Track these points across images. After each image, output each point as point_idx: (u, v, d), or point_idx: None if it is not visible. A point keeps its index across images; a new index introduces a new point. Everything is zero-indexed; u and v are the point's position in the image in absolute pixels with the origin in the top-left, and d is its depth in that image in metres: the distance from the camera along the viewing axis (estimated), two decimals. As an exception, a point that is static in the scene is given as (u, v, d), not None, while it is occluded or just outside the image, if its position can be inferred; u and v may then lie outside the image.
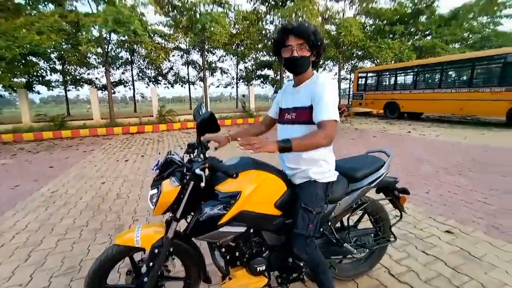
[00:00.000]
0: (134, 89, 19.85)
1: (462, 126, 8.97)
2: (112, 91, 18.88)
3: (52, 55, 12.71)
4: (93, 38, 9.77)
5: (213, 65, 21.47)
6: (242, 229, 1.21)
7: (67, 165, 5.12)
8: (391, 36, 16.23)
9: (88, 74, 17.26)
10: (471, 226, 2.27)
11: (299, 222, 1.22)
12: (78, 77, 16.67)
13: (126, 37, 8.46)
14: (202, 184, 1.08)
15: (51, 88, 15.34)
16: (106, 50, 10.90)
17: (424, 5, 15.69)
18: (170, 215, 1.20)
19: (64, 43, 10.16)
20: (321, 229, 1.39)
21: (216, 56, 21.29)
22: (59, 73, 15.40)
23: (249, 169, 1.22)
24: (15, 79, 9.04)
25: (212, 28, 9.54)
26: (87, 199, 3.31)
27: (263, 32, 14.22)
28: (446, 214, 2.52)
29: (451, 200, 2.84)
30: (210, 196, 1.18)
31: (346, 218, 1.58)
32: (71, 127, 10.26)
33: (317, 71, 1.35)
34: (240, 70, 22.01)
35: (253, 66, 20.72)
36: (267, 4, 14.26)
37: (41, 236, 2.42)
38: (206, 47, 15.80)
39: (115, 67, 17.97)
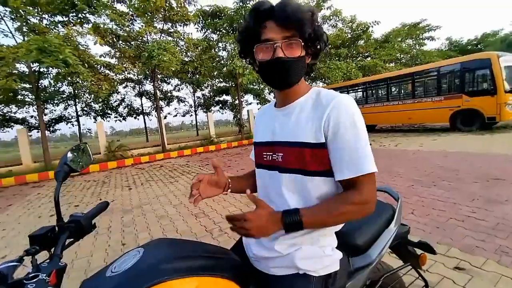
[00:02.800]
0: (79, 125, 17.88)
1: (414, 134, 9.50)
2: (51, 129, 16.76)
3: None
4: (17, 72, 8.42)
5: (169, 94, 20.72)
6: None
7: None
8: (337, 58, 17.56)
9: (20, 112, 15.06)
10: (478, 254, 1.88)
11: None
12: (5, 116, 14.36)
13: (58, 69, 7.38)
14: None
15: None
16: (37, 84, 9.51)
17: (361, 31, 17.50)
18: None
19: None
20: None
21: (171, 85, 20.67)
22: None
23: (161, 279, 0.58)
24: None
25: (160, 56, 8.97)
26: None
27: (216, 58, 14.15)
28: (445, 240, 2.12)
29: (441, 221, 2.49)
30: None
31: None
32: (-11, 177, 8.37)
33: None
34: (198, 97, 21.60)
35: (211, 93, 20.48)
36: (218, 32, 14.37)
37: None
38: (159, 76, 15.10)
39: (53, 103, 16.05)
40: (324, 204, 0.67)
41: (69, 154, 0.84)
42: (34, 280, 0.55)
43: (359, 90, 12.76)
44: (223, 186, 0.84)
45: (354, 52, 18.98)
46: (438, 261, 1.85)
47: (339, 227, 0.78)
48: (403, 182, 3.89)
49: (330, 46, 17.43)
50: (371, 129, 12.51)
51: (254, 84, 13.61)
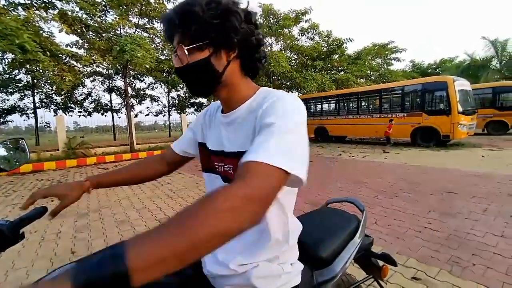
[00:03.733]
0: (36, 117, 16.29)
1: (380, 147, 10.09)
2: (1, 120, 15.05)
3: None
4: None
5: (142, 92, 19.82)
6: None
7: None
8: (313, 69, 18.24)
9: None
10: (433, 264, 1.98)
11: None
12: None
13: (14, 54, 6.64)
14: None
15: None
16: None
17: (336, 45, 18.41)
18: None
19: None
20: None
21: (145, 83, 19.82)
22: None
23: None
24: None
25: (133, 52, 8.53)
26: None
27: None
28: (404, 251, 2.21)
29: (401, 231, 2.61)
30: None
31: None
32: None
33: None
34: (172, 98, 20.93)
35: (186, 94, 19.98)
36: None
37: None
38: (132, 72, 14.38)
39: (6, 92, 14.46)
40: (182, 211, 0.38)
41: (0, 149, 0.70)
42: None
43: (332, 101, 13.30)
44: (78, 193, 0.79)
45: (329, 65, 19.87)
46: (398, 271, 1.91)
47: (297, 235, 0.71)
48: (369, 192, 4.05)
49: (306, 57, 18.08)
50: (341, 140, 13.07)
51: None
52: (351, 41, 17.50)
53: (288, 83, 18.08)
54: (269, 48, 17.26)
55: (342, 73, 19.55)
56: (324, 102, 13.52)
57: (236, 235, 0.39)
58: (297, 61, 18.84)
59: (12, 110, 15.45)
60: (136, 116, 19.19)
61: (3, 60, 10.97)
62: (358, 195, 3.93)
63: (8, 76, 14.04)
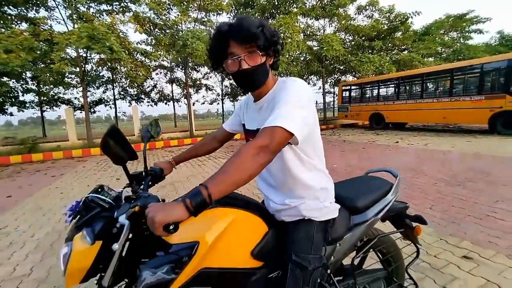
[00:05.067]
0: (115, 108, 19.24)
1: (448, 134, 9.03)
2: (92, 110, 18.26)
3: (25, 75, 12.08)
4: (68, 57, 9.33)
5: (198, 82, 21.36)
6: None
7: (27, 194, 4.50)
8: (370, 51, 16.81)
9: (65, 94, 16.60)
10: (489, 248, 1.96)
11: (290, 283, 0.85)
12: (55, 97, 15.95)
13: (104, 55, 8.08)
14: (116, 247, 0.69)
15: (21, 109, 14.54)
16: (83, 69, 10.44)
17: (399, 22, 16.48)
18: (96, 282, 0.80)
19: (37, 62, 9.63)
20: (319, 280, 1.02)
21: (201, 73, 21.25)
22: (33, 93, 14.65)
23: (211, 206, 0.84)
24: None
25: (193, 45, 9.36)
26: (40, 236, 2.76)
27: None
28: (458, 234, 2.21)
29: (458, 217, 2.54)
30: (157, 249, 0.79)
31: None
32: (43, 149, 9.52)
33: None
34: (226, 86, 21.97)
35: (238, 83, 20.70)
36: (249, 22, 14.42)
37: (-36, 293, 1.89)
38: (190, 64, 15.67)
39: (94, 87, 17.40)
40: (225, 165, 0.66)
41: (149, 125, 1.13)
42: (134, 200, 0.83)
43: (391, 85, 12.23)
44: (171, 167, 1.19)
45: (390, 44, 18.00)
46: (447, 250, 1.96)
47: (332, 187, 1.00)
48: (427, 180, 3.88)
49: (363, 38, 16.73)
50: (400, 127, 12.03)
51: (282, 75, 13.62)
52: (418, 14, 15.44)
53: (341, 67, 17.14)
54: (321, 31, 16.55)
55: (405, 52, 17.54)
56: (382, 86, 12.48)
57: (259, 170, 0.68)
58: (353, 42, 17.58)
59: (99, 101, 18.57)
60: (193, 104, 20.96)
61: (92, 60, 13.23)
62: (413, 182, 3.81)
63: (95, 73, 16.87)
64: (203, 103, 23.23)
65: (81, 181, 5.30)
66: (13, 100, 13.62)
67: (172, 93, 21.78)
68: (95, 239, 0.73)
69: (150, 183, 1.02)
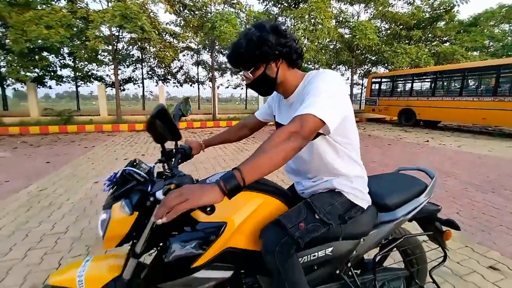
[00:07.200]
0: (143, 87, 19.95)
1: (486, 137, 8.35)
2: (121, 88, 19.07)
3: (63, 50, 12.79)
4: (102, 35, 9.69)
5: (223, 65, 21.36)
6: (227, 273, 0.86)
7: (64, 161, 4.90)
8: (407, 41, 15.64)
9: (98, 71, 17.40)
10: (521, 261, 1.84)
11: (291, 212, 0.88)
12: (88, 73, 16.80)
13: (135, 34, 8.30)
14: (159, 221, 0.74)
15: (59, 83, 15.52)
16: (115, 47, 10.82)
17: (443, 10, 15.06)
18: (129, 246, 0.86)
19: (73, 39, 10.12)
20: (337, 271, 1.02)
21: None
22: (70, 68, 15.53)
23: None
24: (27, 73, 9.01)
25: (222, 27, 9.27)
26: (74, 201, 3.02)
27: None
28: (486, 243, 2.08)
29: (489, 225, 2.39)
30: (187, 223, 0.84)
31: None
32: (77, 122, 10.19)
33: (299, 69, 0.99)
34: (250, 71, 21.78)
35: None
36: (279, 5, 13.96)
37: (11, 243, 2.13)
38: (217, 47, 15.63)
39: (125, 65, 18.04)
40: (258, 149, 0.68)
41: (181, 103, 1.16)
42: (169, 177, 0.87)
43: (426, 79, 11.39)
44: (200, 148, 1.22)
45: (430, 35, 16.63)
46: (473, 258, 1.87)
47: (366, 181, 0.99)
48: (456, 184, 3.66)
49: (401, 27, 15.56)
50: (432, 125, 11.29)
51: (309, 63, 13.18)
52: (465, 2, 14.00)
53: (373, 58, 16.20)
54: (355, 18, 15.62)
55: (446, 44, 16.12)
56: (416, 80, 11.65)
57: (290, 155, 0.69)
58: (388, 31, 16.44)
59: (128, 80, 19.32)
60: (218, 88, 21.12)
61: (123, 39, 13.65)
62: (442, 184, 3.61)
63: (125, 52, 17.44)
64: (227, 87, 23.35)
65: (109, 154, 5.64)
66: (52, 74, 14.56)
67: (198, 75, 22.05)
68: (133, 210, 0.78)
69: (179, 160, 1.06)
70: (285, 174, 3.90)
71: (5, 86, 15.78)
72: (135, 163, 0.90)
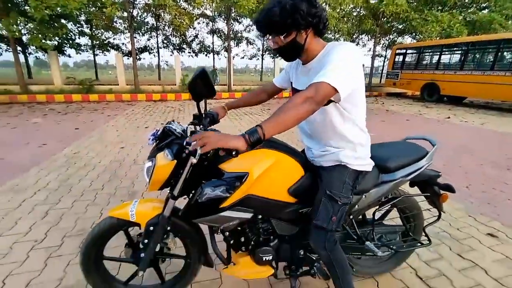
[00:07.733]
0: (158, 56, 19.86)
1: (512, 115, 7.93)
2: (137, 57, 19.11)
3: (80, 18, 12.80)
4: (117, 0, 9.55)
5: (239, 34, 20.64)
6: (247, 215, 1.05)
7: (91, 128, 5.26)
8: (439, 8, 14.25)
9: (114, 39, 17.40)
10: (521, 231, 1.94)
11: (321, 212, 1.03)
12: (105, 41, 16.86)
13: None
14: (194, 160, 0.89)
15: (79, 52, 15.76)
16: (131, 14, 10.69)
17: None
18: (169, 191, 1.06)
19: (90, 6, 10.07)
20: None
21: (243, 25, 20.36)
22: (87, 36, 15.63)
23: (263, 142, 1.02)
24: (47, 41, 9.24)
25: (239, -8, 8.86)
26: (105, 163, 3.35)
27: None
28: (490, 214, 2.18)
29: (496, 199, 2.46)
30: (215, 175, 1.01)
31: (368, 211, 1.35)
32: (98, 91, 10.56)
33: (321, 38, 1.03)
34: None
35: (281, 38, 19.55)
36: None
37: (59, 195, 2.48)
38: (233, 14, 15.00)
39: (140, 33, 17.86)
40: (278, 109, 0.82)
41: (210, 73, 1.28)
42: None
43: (456, 51, 10.57)
44: (225, 112, 1.34)
45: (467, 1, 14.99)
46: (473, 225, 1.99)
47: (369, 146, 1.10)
48: (472, 160, 3.65)
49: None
50: (457, 101, 10.73)
51: (329, 32, 12.48)
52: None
53: (400, 27, 15.01)
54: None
55: (485, 11, 14.56)
56: (445, 52, 10.83)
57: (305, 116, 0.82)
58: (420, -4, 14.95)
59: (144, 49, 19.25)
60: (233, 58, 20.67)
61: (138, 5, 13.36)
62: (456, 161, 3.61)
63: (139, 19, 17.16)
64: (243, 57, 22.73)
65: (131, 122, 5.95)
66: (71, 42, 14.77)
67: (213, 45, 21.54)
68: (174, 157, 0.96)
69: (208, 124, 1.21)
70: (298, 145, 4.03)
71: (27, 54, 16.27)
72: (172, 122, 1.07)
